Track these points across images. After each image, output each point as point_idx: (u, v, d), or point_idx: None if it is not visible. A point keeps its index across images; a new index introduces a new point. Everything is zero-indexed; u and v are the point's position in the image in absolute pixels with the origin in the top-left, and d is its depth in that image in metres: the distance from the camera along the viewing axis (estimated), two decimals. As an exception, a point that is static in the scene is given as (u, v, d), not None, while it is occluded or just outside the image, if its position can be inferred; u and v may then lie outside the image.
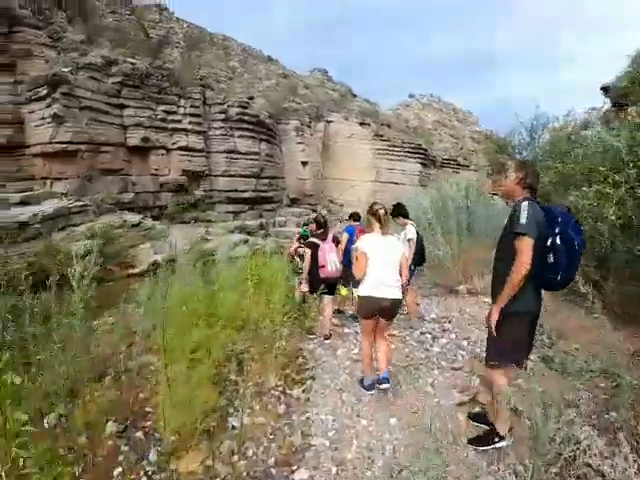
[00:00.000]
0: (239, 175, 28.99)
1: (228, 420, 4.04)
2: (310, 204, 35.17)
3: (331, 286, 6.41)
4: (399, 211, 6.94)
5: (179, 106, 26.10)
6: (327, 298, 6.39)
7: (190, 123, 26.45)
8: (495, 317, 3.26)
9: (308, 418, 4.14)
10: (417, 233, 6.86)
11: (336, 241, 6.70)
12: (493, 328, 3.30)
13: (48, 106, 21.16)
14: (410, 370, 5.09)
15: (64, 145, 21.17)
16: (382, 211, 4.44)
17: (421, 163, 40.99)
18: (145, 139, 24.29)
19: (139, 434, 3.88)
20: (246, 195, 29.46)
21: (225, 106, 28.21)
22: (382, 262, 4.30)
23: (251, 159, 29.59)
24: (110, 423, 3.95)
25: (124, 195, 23.63)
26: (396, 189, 35.90)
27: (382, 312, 4.33)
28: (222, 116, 28.12)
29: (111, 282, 15.16)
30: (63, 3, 26.10)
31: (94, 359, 4.69)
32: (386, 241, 4.39)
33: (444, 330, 6.53)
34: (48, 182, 21.86)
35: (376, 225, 4.43)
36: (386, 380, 4.39)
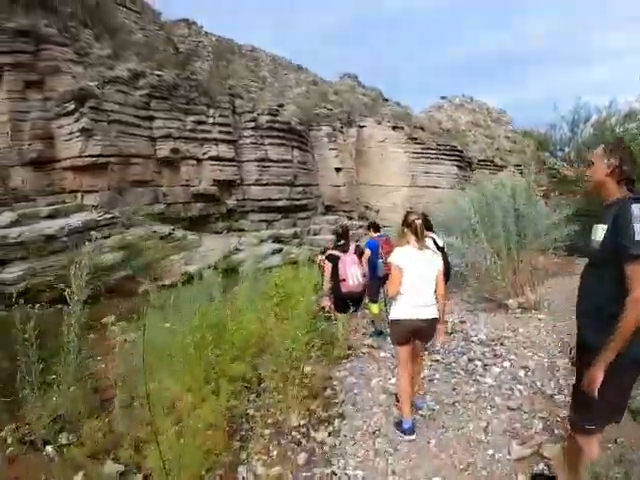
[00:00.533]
0: (272, 183, 28.39)
1: (238, 470, 3.37)
2: (345, 211, 34.20)
3: (355, 301, 6.03)
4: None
5: (208, 116, 25.75)
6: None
7: (220, 132, 26.07)
8: (598, 379, 2.24)
9: (333, 473, 3.36)
10: (438, 246, 5.63)
11: (358, 252, 6.18)
12: (595, 393, 2.26)
13: (77, 120, 21.18)
14: (458, 409, 4.22)
15: (94, 158, 21.16)
16: (419, 222, 3.89)
17: (457, 165, 39.64)
18: (175, 150, 24.00)
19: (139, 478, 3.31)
20: (279, 203, 28.79)
21: (255, 114, 27.73)
22: (419, 278, 3.81)
23: (284, 167, 28.98)
24: (109, 462, 3.48)
25: (155, 206, 23.35)
26: (433, 193, 34.67)
27: (419, 334, 3.88)
28: (252, 124, 27.63)
29: (137, 295, 14.56)
30: (89, 21, 26.03)
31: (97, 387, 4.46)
32: (423, 256, 3.86)
33: (496, 356, 5.49)
34: (79, 195, 21.82)
35: (412, 238, 3.90)
36: (419, 406, 4.19)
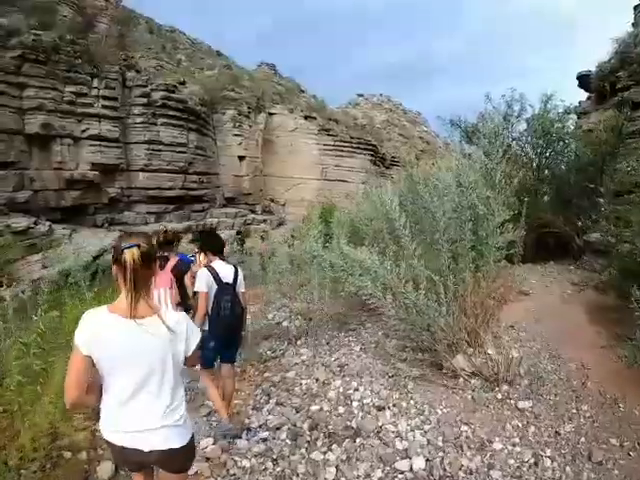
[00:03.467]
0: (163, 170, 25.38)
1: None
2: (248, 204, 31.93)
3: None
4: (209, 245, 4.40)
5: (91, 87, 22.24)
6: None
7: (104, 107, 22.65)
8: None
9: None
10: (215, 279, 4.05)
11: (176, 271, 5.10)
12: None
13: None
14: None
15: None
16: (132, 255, 1.92)
17: (371, 160, 38.75)
18: (46, 125, 20.43)
19: None
20: (171, 193, 25.88)
21: (148, 89, 24.44)
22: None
23: (178, 151, 25.97)
24: None
25: (19, 194, 19.65)
26: (345, 187, 33.35)
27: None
28: (144, 100, 24.35)
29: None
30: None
31: None
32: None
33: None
34: None
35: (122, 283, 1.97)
36: None
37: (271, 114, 35.06)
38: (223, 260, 4.28)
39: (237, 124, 30.87)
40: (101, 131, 22.50)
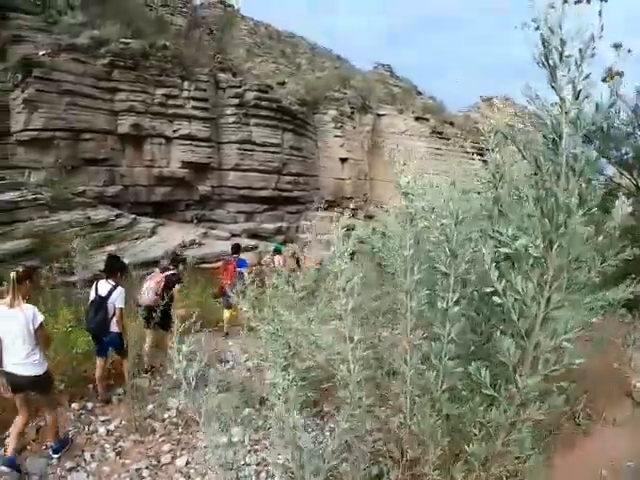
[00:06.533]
0: (254, 170, 25.05)
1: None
2: (350, 208, 30.39)
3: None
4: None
5: (182, 89, 22.76)
6: None
7: (195, 108, 22.99)
8: None
9: None
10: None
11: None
12: None
13: (22, 91, 19.13)
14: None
15: (36, 132, 19.09)
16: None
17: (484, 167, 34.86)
18: (136, 126, 21.30)
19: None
20: (263, 193, 25.42)
21: (240, 90, 24.43)
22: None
23: (271, 152, 25.53)
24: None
25: (109, 188, 20.72)
26: (453, 194, 30.24)
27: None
28: (236, 101, 24.29)
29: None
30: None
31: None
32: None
33: None
34: (26, 172, 19.54)
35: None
36: None
37: (379, 115, 33.35)
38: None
39: (339, 125, 29.70)
40: (192, 131, 22.85)
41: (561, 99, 2.07)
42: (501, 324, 2.39)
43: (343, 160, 29.99)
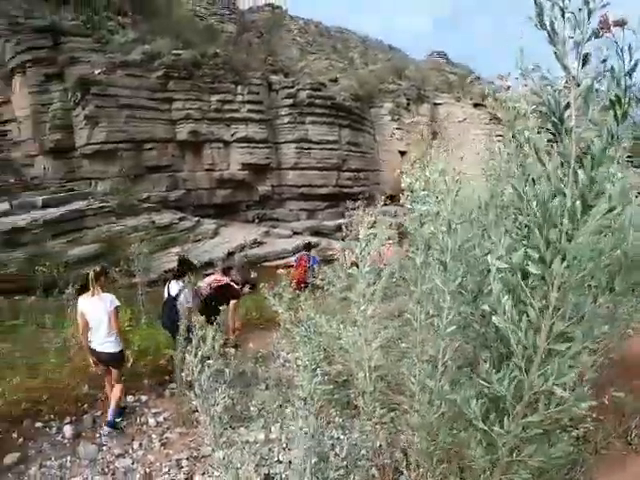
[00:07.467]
0: (313, 167, 24.89)
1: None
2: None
3: None
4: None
5: (236, 94, 23.06)
6: None
7: (250, 111, 23.27)
8: None
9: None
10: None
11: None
12: None
13: (83, 108, 20.17)
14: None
15: (99, 145, 20.10)
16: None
17: (545, 150, 32.89)
18: (194, 132, 21.92)
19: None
20: (323, 191, 25.19)
21: (293, 90, 24.39)
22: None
23: (329, 149, 25.28)
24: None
25: (172, 193, 21.44)
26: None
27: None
28: (290, 101, 24.31)
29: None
30: (127, 8, 24.84)
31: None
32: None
33: None
34: (92, 182, 20.78)
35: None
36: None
37: (436, 104, 32.32)
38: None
39: (396, 117, 29.02)
40: (248, 133, 23.11)
41: (564, 67, 1.60)
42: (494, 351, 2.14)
43: (402, 153, 29.18)
